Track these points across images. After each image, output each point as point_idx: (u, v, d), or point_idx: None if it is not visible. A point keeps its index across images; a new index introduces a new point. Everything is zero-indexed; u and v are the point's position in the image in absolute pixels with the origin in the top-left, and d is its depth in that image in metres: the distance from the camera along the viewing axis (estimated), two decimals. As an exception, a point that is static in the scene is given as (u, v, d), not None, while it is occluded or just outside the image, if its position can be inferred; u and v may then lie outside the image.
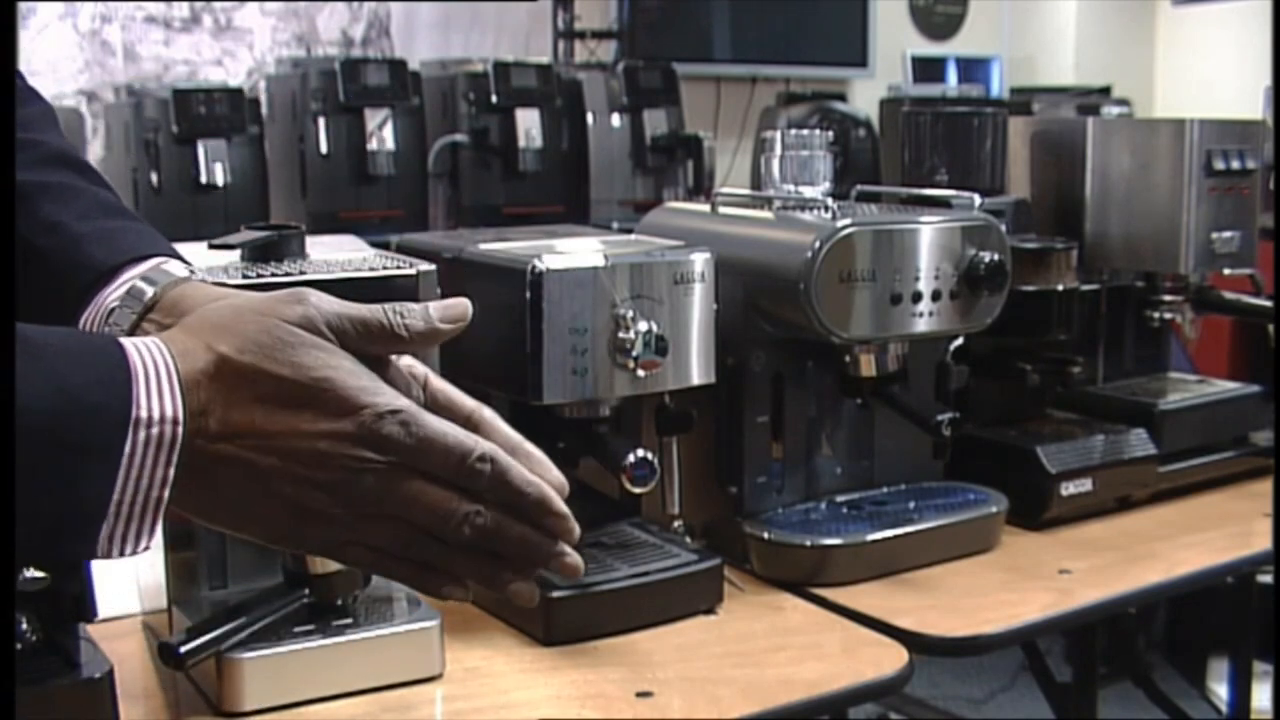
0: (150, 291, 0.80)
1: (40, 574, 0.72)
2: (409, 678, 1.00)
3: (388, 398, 0.71)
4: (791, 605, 1.18)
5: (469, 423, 0.75)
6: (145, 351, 0.68)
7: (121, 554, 0.67)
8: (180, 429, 0.67)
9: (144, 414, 0.66)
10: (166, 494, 0.67)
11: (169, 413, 0.67)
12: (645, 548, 1.17)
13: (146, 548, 0.68)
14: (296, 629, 0.97)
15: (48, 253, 0.86)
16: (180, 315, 0.78)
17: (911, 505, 1.32)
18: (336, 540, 0.72)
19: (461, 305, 0.77)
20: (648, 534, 1.21)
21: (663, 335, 1.08)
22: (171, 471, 0.67)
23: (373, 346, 0.74)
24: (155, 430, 0.66)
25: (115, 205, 0.92)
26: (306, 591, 0.97)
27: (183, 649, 0.89)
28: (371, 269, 1.00)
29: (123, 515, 0.66)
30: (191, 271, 0.85)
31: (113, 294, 0.83)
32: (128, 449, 0.66)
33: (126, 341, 0.69)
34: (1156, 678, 2.49)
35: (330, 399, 0.69)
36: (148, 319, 0.80)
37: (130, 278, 0.83)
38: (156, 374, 0.67)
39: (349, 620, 0.99)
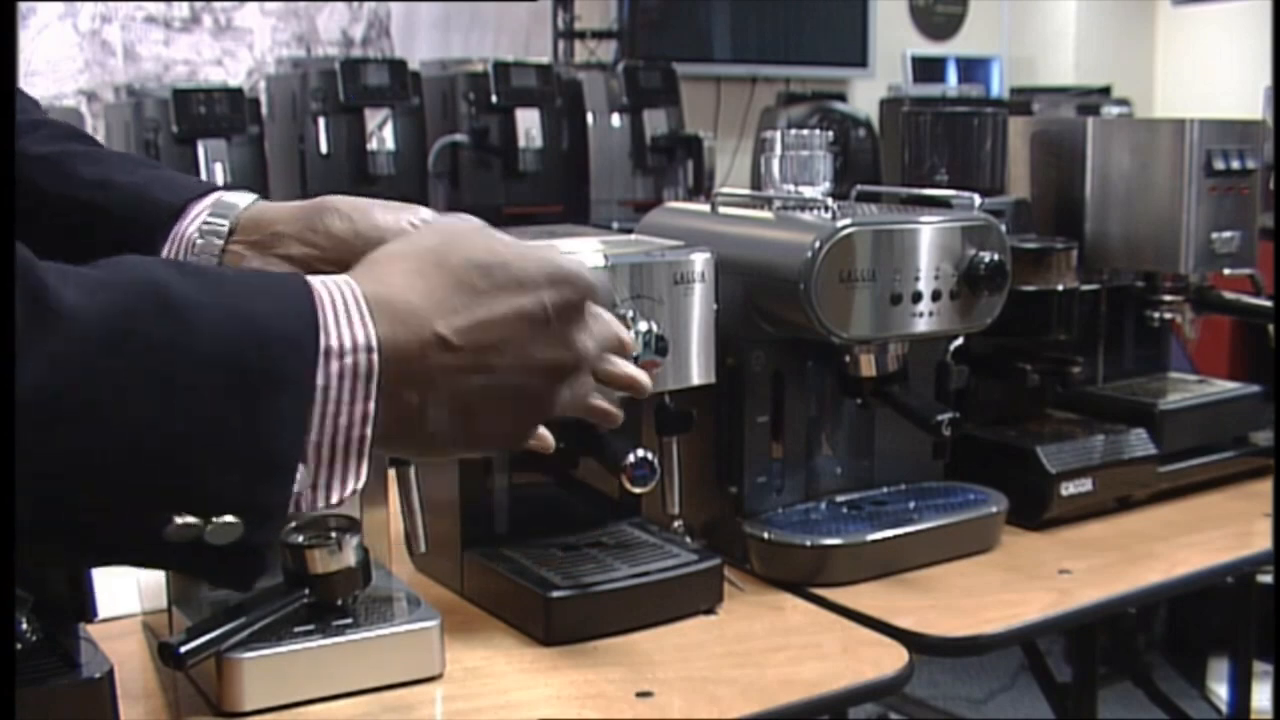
0: (225, 222, 0.83)
1: (234, 519, 0.61)
2: (409, 678, 1.00)
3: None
4: (791, 605, 1.18)
5: None
6: (330, 282, 0.65)
7: (327, 502, 0.64)
8: (375, 356, 0.63)
9: (334, 343, 0.62)
10: (369, 431, 0.63)
11: (360, 340, 0.63)
12: (645, 548, 1.17)
13: (355, 492, 0.64)
14: (296, 629, 0.97)
15: (106, 205, 0.87)
16: (264, 231, 0.81)
17: (911, 505, 1.32)
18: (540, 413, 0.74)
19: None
20: (648, 534, 1.21)
21: (663, 335, 1.08)
22: (371, 406, 0.63)
23: None
24: (349, 360, 0.62)
25: (146, 159, 0.95)
26: (306, 591, 0.97)
27: (183, 649, 0.89)
28: (371, 269, 1.00)
29: (324, 459, 0.63)
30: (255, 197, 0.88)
31: (190, 226, 0.85)
32: (320, 382, 0.62)
33: (309, 277, 0.65)
34: (1156, 678, 2.49)
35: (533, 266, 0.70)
36: (232, 242, 0.83)
37: (200, 210, 0.86)
38: (344, 301, 0.64)
39: (349, 620, 0.99)
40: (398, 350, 0.64)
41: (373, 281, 0.66)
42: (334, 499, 0.64)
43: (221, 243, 0.82)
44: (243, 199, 0.86)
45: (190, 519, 0.60)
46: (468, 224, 0.74)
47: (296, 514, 0.63)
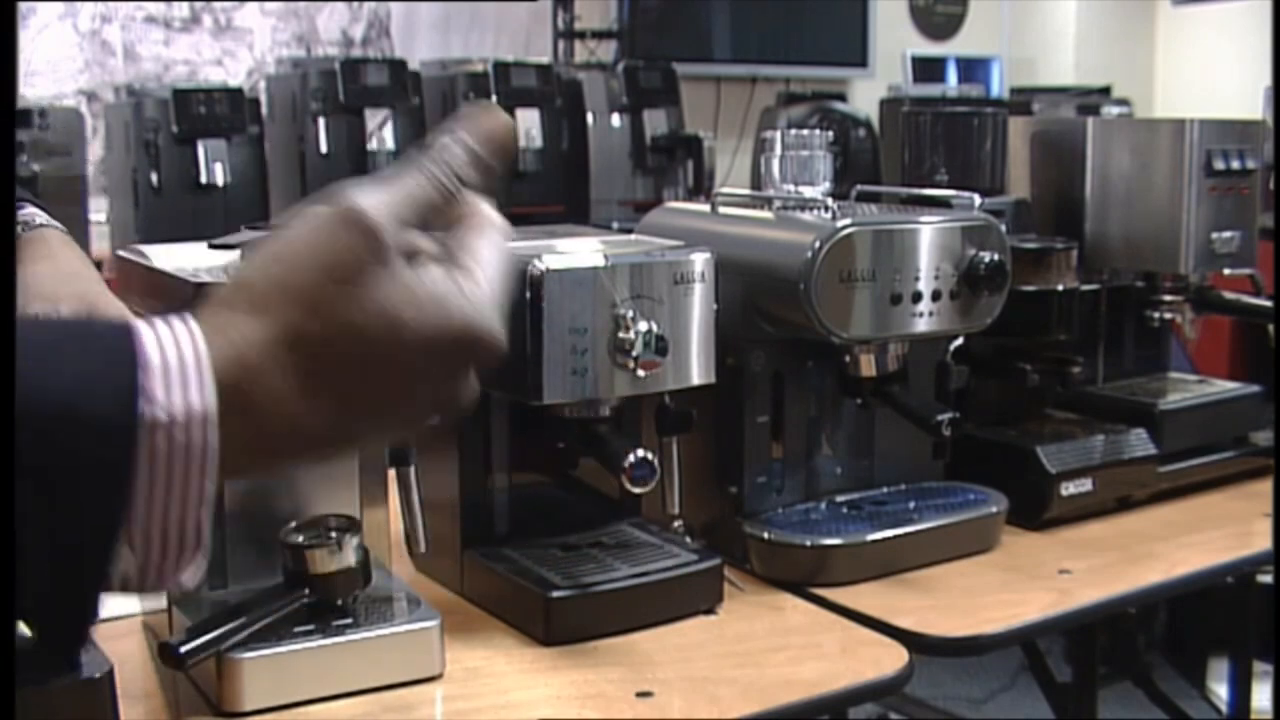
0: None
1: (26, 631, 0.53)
2: (409, 678, 1.00)
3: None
4: (791, 605, 1.18)
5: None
6: (166, 337, 0.52)
7: (163, 586, 0.54)
8: (211, 432, 0.52)
9: (162, 415, 0.51)
10: (205, 515, 0.53)
11: (197, 409, 0.52)
12: (645, 548, 1.17)
13: (193, 586, 0.55)
14: (296, 629, 0.97)
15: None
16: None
17: (911, 505, 1.32)
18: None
19: (501, 123, 0.64)
20: (648, 534, 1.21)
21: (663, 335, 1.08)
22: (209, 486, 0.53)
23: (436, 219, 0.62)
24: (181, 436, 0.51)
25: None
26: (306, 591, 0.98)
27: (183, 649, 0.89)
28: (371, 269, 0.99)
29: (155, 540, 0.52)
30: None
31: None
32: (144, 457, 0.51)
33: (140, 323, 0.53)
34: (1156, 678, 2.49)
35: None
36: None
37: None
38: (180, 360, 0.52)
39: (349, 620, 0.99)
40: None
41: (223, 339, 0.54)
42: (170, 584, 0.54)
43: None
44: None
45: None
46: (372, 247, 0.56)
47: (131, 595, 0.55)
